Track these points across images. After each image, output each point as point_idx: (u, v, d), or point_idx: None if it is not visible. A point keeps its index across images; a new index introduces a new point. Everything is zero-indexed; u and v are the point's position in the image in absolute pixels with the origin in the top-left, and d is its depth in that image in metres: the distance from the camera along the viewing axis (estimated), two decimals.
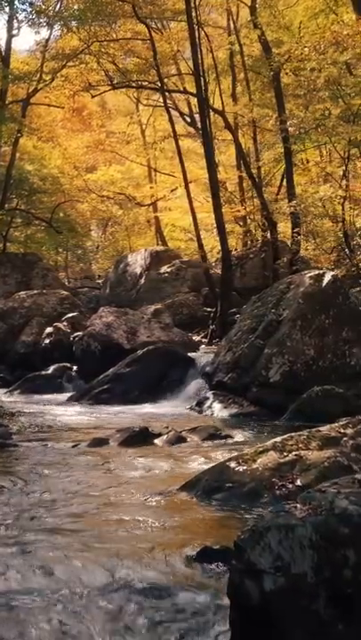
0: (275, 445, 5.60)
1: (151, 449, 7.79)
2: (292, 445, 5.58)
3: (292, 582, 2.55)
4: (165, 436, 8.30)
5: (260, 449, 5.60)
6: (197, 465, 6.71)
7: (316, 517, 2.65)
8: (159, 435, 8.39)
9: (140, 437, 8.20)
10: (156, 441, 8.22)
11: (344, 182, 22.43)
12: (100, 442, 8.07)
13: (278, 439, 5.75)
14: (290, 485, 5.15)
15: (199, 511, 5.05)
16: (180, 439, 8.23)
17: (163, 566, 3.86)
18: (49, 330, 18.45)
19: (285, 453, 5.48)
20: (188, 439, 8.35)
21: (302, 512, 2.70)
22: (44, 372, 16.23)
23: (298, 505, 2.78)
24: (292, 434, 5.85)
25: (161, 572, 3.79)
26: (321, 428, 6.00)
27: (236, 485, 5.28)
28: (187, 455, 7.28)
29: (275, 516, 2.74)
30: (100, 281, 36.66)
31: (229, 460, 5.67)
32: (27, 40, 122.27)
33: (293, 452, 5.47)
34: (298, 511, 2.72)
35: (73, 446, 8.02)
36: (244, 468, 5.40)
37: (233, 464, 5.51)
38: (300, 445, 5.58)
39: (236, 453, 7.17)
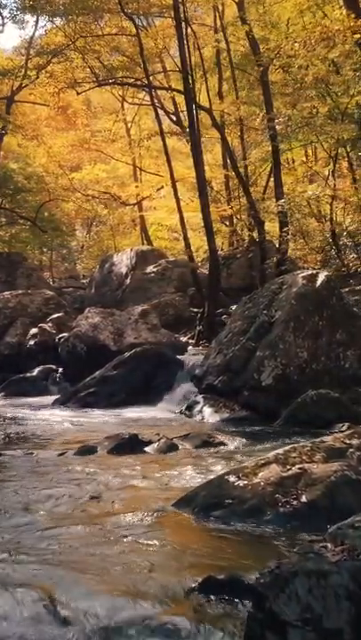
0: (277, 458, 5.24)
1: (142, 458, 7.41)
2: (295, 458, 5.22)
3: (324, 639, 2.18)
4: (156, 443, 7.94)
5: (262, 461, 5.24)
6: (192, 476, 6.35)
7: (353, 562, 2.28)
8: (150, 442, 8.02)
9: (129, 445, 7.83)
10: (146, 449, 7.85)
11: (332, 182, 22.20)
12: (87, 450, 7.69)
13: (280, 451, 5.38)
14: (294, 502, 4.80)
15: (197, 531, 4.68)
16: (171, 447, 7.87)
17: (160, 600, 3.45)
18: (34, 331, 18.06)
19: (288, 466, 5.12)
20: (180, 447, 7.98)
21: (335, 554, 2.32)
22: (28, 375, 15.86)
23: (328, 544, 2.42)
24: (295, 445, 5.49)
25: (158, 606, 3.38)
26: (325, 439, 5.65)
27: (235, 502, 4.91)
28: (180, 465, 6.91)
29: (303, 558, 2.37)
30: (84, 281, 36.28)
31: (228, 473, 5.29)
32: (11, 37, 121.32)
33: (297, 466, 5.11)
34: (330, 553, 2.34)
35: (59, 455, 7.64)
36: (245, 482, 5.03)
37: (232, 478, 5.14)
38: (304, 458, 5.22)
39: (231, 463, 6.87)
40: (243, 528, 4.67)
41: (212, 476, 6.13)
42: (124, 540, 4.48)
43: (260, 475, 5.07)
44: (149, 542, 4.40)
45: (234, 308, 20.96)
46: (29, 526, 4.85)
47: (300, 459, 5.21)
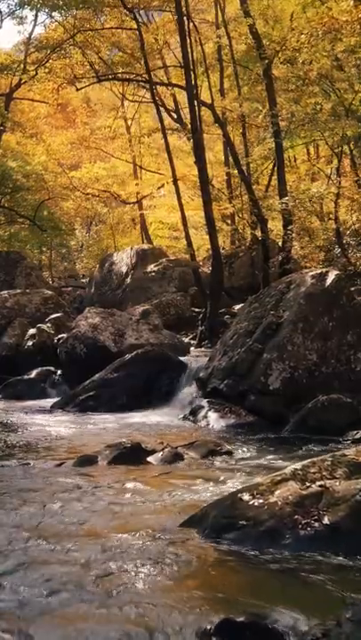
0: (294, 474, 4.77)
1: (145, 469, 6.96)
2: (314, 474, 4.75)
3: None
4: (160, 453, 7.47)
5: (278, 478, 4.77)
6: (199, 491, 5.89)
7: None
8: (153, 451, 7.56)
9: (131, 455, 7.36)
10: (149, 459, 7.39)
11: (337, 179, 21.78)
12: (87, 460, 7.23)
13: (298, 466, 4.91)
14: (316, 524, 4.34)
15: (209, 557, 4.20)
16: (176, 456, 7.40)
17: None
18: (32, 331, 17.56)
19: (308, 483, 4.65)
20: (186, 456, 7.52)
21: None
22: (26, 377, 15.34)
23: None
24: (314, 459, 5.02)
25: None
26: (346, 452, 5.17)
27: (250, 523, 4.44)
28: (186, 478, 6.45)
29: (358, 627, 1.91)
30: (84, 280, 35.90)
31: (241, 490, 4.82)
32: (10, 36, 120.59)
33: (317, 483, 4.65)
34: None
35: (57, 465, 7.18)
36: (260, 501, 4.57)
37: (246, 496, 4.66)
38: (325, 473, 4.75)
39: (241, 474, 6.44)
40: (259, 554, 4.22)
41: (221, 490, 5.72)
42: (126, 565, 4.03)
43: (276, 493, 4.61)
44: (155, 570, 3.96)
45: (237, 307, 20.56)
46: (21, 547, 4.39)
47: (320, 475, 4.75)
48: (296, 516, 4.40)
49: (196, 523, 4.71)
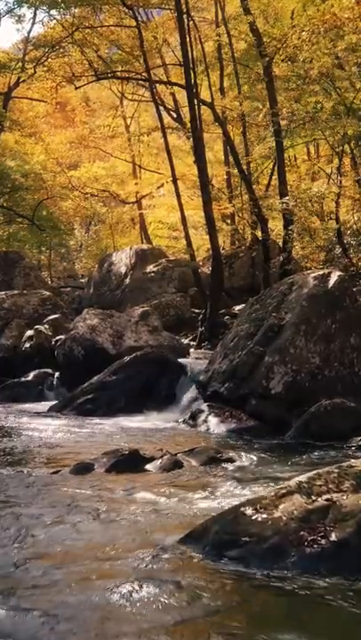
0: (300, 486, 4.53)
1: (143, 478, 6.71)
2: (320, 486, 4.52)
3: None
4: (159, 460, 7.23)
5: (282, 491, 4.54)
6: (200, 502, 5.66)
7: None
8: (152, 459, 7.32)
9: (129, 462, 7.11)
10: (148, 466, 7.15)
11: (338, 179, 21.57)
12: (84, 468, 6.99)
13: (303, 478, 4.68)
14: (322, 541, 4.11)
15: (211, 577, 3.96)
16: (175, 464, 7.17)
17: None
18: (29, 333, 17.32)
19: (314, 497, 4.42)
20: (185, 463, 7.28)
21: None
22: (23, 379, 15.10)
23: None
24: (320, 470, 4.78)
25: None
26: (353, 463, 4.94)
27: (254, 540, 4.21)
28: (185, 487, 6.22)
29: None
30: (83, 280, 35.70)
31: (244, 504, 4.57)
32: (9, 34, 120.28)
33: (324, 496, 4.42)
34: None
35: (53, 473, 6.95)
36: (264, 516, 4.33)
37: (249, 511, 4.43)
38: (331, 486, 4.52)
39: (242, 484, 6.23)
40: (263, 573, 3.99)
41: (222, 502, 5.50)
42: (119, 587, 3.79)
43: (281, 507, 4.38)
44: (151, 592, 3.72)
45: (237, 308, 20.33)
46: (9, 565, 4.17)
47: (326, 488, 4.52)
48: (302, 533, 4.17)
49: (197, 538, 4.47)
